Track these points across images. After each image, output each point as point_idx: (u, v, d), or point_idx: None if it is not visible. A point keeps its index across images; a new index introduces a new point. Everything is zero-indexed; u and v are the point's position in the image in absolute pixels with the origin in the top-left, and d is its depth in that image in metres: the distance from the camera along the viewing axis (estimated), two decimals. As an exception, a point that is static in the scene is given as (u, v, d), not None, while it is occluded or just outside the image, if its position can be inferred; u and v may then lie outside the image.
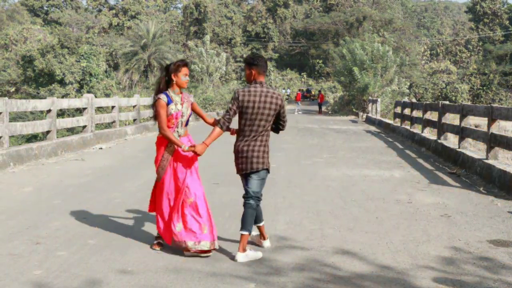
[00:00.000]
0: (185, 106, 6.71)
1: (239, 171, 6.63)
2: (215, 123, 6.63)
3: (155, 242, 6.80)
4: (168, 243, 6.66)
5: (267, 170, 6.62)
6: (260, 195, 6.60)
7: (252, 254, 6.40)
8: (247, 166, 6.52)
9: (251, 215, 6.47)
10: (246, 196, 6.55)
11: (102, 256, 6.40)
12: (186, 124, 6.77)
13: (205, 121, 6.98)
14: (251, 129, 6.50)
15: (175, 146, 6.54)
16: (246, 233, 6.38)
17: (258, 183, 6.57)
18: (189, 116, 6.79)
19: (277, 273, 5.92)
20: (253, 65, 6.58)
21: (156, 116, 6.64)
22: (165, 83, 6.69)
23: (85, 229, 7.57)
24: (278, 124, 6.75)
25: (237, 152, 6.57)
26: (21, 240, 7.00)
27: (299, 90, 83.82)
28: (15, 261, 6.16)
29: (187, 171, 6.58)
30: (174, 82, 6.63)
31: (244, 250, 6.36)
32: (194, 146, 6.54)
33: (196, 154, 6.57)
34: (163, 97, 6.56)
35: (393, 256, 6.60)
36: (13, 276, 5.67)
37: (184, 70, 6.65)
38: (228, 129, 6.64)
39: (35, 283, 5.50)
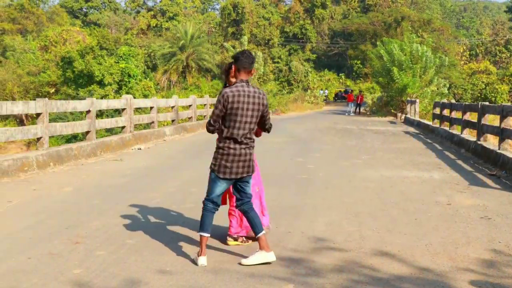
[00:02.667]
0: None
1: (232, 174, 6.23)
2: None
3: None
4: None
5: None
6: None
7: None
8: (246, 170, 6.28)
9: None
10: (248, 199, 6.38)
11: (140, 256, 6.44)
12: None
13: None
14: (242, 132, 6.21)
15: None
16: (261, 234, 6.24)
17: (250, 186, 6.46)
18: None
19: (315, 274, 5.90)
20: (235, 61, 6.27)
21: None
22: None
23: (124, 229, 7.63)
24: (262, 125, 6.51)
25: (235, 155, 6.20)
26: (61, 239, 7.07)
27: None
28: (55, 260, 6.22)
29: None
30: None
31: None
32: None
33: None
34: None
35: (432, 258, 6.53)
36: (53, 275, 5.73)
37: None
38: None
39: (74, 282, 5.55)
